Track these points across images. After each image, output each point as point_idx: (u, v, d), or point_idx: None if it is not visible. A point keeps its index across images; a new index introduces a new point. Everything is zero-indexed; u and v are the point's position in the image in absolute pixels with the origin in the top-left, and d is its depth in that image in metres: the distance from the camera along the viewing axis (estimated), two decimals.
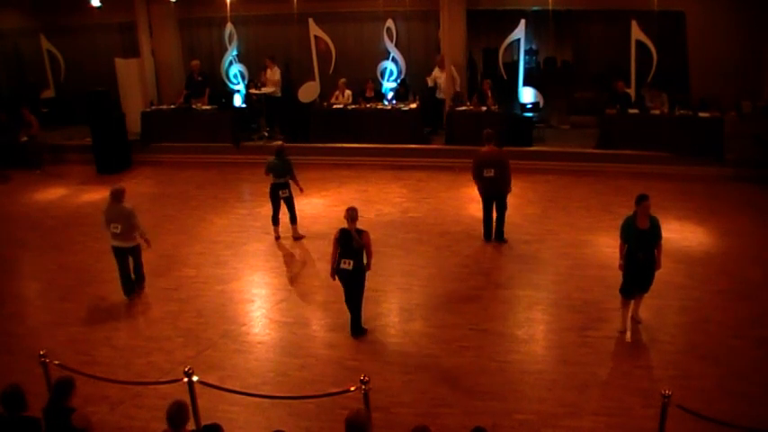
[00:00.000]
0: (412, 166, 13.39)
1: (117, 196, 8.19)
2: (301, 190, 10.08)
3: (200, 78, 15.15)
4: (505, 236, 9.72)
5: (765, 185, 11.56)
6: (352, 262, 7.18)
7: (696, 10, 13.30)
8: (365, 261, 7.29)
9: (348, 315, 7.56)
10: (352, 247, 7.16)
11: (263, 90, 14.76)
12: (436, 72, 14.32)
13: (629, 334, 7.30)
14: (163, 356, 7.21)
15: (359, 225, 7.30)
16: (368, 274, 7.45)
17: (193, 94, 14.92)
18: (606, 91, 13.71)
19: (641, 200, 6.98)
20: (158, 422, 4.55)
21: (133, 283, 8.55)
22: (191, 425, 4.99)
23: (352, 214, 7.23)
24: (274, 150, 9.92)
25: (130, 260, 8.42)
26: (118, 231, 8.14)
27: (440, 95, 14.38)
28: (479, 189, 9.56)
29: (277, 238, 10.18)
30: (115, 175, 13.69)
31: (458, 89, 14.28)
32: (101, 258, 9.72)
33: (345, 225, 7.26)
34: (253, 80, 15.40)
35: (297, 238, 10.16)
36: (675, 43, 13.64)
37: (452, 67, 14.17)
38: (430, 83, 14.47)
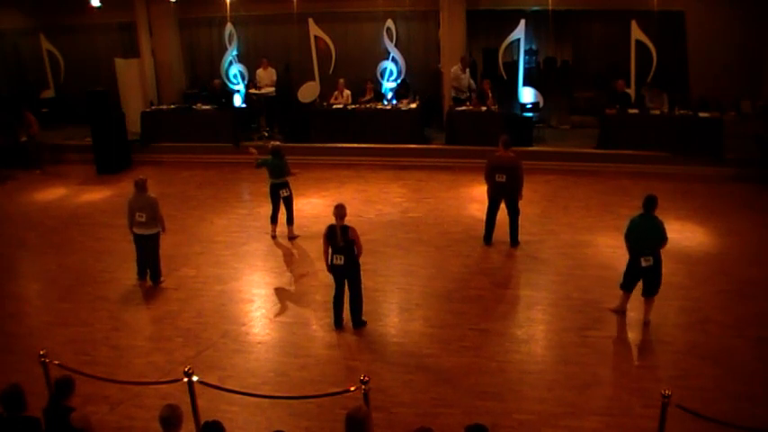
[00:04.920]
0: (412, 166, 13.40)
1: (142, 186, 8.54)
2: (293, 173, 10.09)
3: (218, 92, 15.08)
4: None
5: (765, 185, 11.57)
6: (342, 257, 7.30)
7: (696, 10, 13.30)
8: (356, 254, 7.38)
9: (345, 313, 7.63)
10: (337, 244, 7.24)
11: (262, 90, 14.76)
12: (458, 71, 13.91)
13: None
14: (163, 356, 7.21)
15: (358, 224, 7.34)
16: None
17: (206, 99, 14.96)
18: (606, 91, 13.72)
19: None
20: (158, 422, 4.55)
21: (147, 269, 8.84)
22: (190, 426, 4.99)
23: (339, 212, 7.29)
24: (271, 150, 9.90)
25: (150, 247, 8.72)
26: (143, 220, 8.48)
27: (461, 96, 14.01)
28: (488, 190, 9.53)
29: (273, 236, 10.22)
30: (115, 175, 13.72)
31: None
32: (100, 258, 9.74)
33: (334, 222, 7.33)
34: (252, 80, 15.42)
35: (291, 237, 10.20)
36: (675, 43, 13.64)
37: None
38: (454, 83, 14.01)
